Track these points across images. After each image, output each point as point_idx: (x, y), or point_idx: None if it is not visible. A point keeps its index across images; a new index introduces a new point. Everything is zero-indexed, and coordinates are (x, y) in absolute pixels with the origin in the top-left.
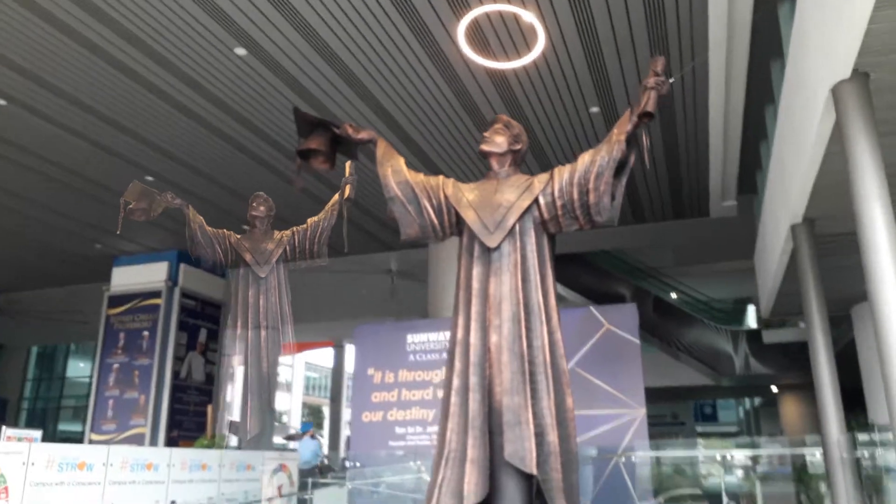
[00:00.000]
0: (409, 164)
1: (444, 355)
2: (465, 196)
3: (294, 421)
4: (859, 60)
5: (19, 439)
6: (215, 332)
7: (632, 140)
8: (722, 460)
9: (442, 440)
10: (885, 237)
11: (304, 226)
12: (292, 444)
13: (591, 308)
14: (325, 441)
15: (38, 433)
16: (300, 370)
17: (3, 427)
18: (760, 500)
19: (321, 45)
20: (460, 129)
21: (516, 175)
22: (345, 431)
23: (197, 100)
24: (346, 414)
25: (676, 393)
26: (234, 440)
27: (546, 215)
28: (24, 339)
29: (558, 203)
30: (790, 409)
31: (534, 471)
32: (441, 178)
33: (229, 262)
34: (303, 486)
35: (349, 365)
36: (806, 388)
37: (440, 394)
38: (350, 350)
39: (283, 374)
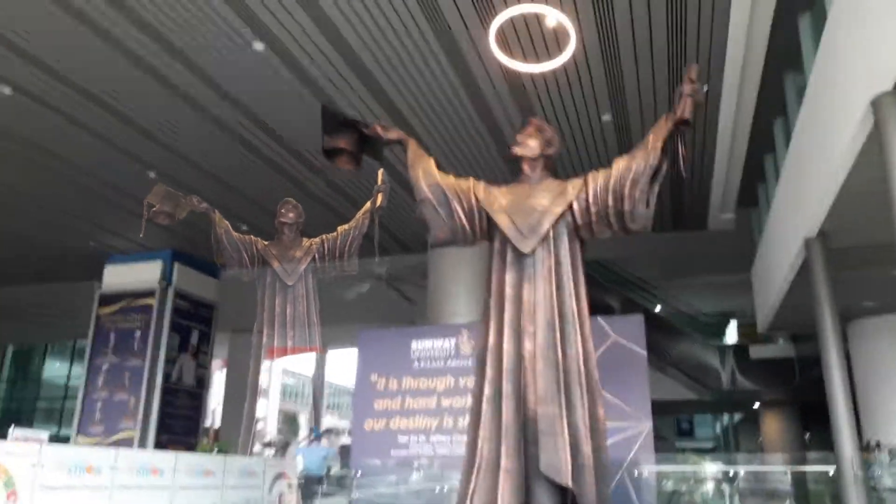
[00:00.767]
0: None
1: (449, 363)
2: (498, 200)
3: (270, 427)
4: None
5: (26, 440)
6: (207, 334)
7: (667, 147)
8: (730, 477)
9: (472, 449)
10: None
11: (334, 234)
12: (267, 452)
13: (599, 319)
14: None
15: (45, 434)
16: (277, 377)
17: (13, 426)
18: None
19: (339, 41)
20: (472, 135)
21: (548, 179)
22: (325, 440)
23: (208, 94)
24: (326, 422)
25: (661, 407)
26: (266, 450)
27: (580, 221)
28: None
29: (592, 210)
30: (771, 425)
31: (569, 483)
32: (472, 180)
33: (255, 268)
34: (309, 496)
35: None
36: (787, 404)
37: (444, 402)
38: (332, 356)
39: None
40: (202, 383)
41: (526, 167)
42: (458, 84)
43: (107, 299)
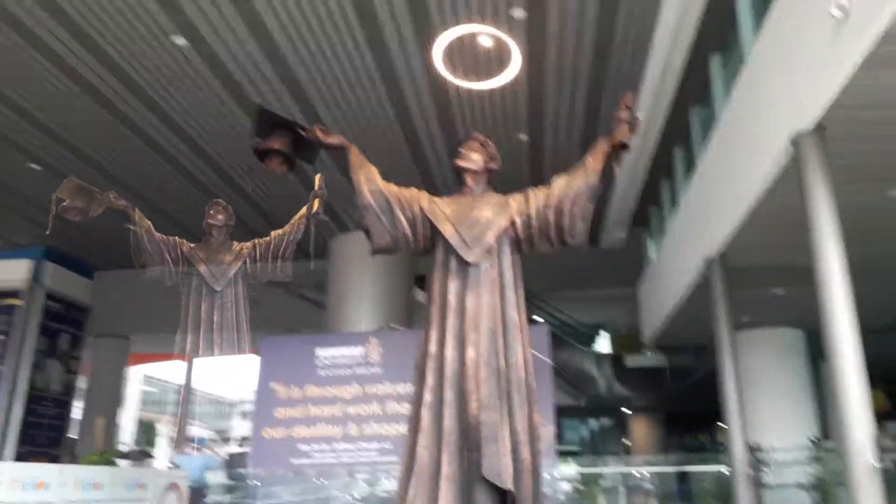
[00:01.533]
0: None
1: (356, 370)
2: (442, 210)
3: (125, 437)
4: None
5: None
6: (79, 338)
7: (605, 168)
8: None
9: (411, 456)
10: (837, 269)
11: (267, 238)
12: (123, 463)
13: None
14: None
15: None
16: (136, 384)
17: None
18: None
19: (268, 44)
20: (391, 142)
21: (490, 193)
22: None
23: (116, 86)
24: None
25: None
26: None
27: (521, 235)
28: None
29: (534, 224)
30: (640, 429)
31: (510, 486)
32: (415, 189)
33: (179, 272)
34: None
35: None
36: (655, 410)
37: (350, 410)
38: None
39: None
40: (70, 390)
41: (469, 180)
42: (383, 94)
43: None
